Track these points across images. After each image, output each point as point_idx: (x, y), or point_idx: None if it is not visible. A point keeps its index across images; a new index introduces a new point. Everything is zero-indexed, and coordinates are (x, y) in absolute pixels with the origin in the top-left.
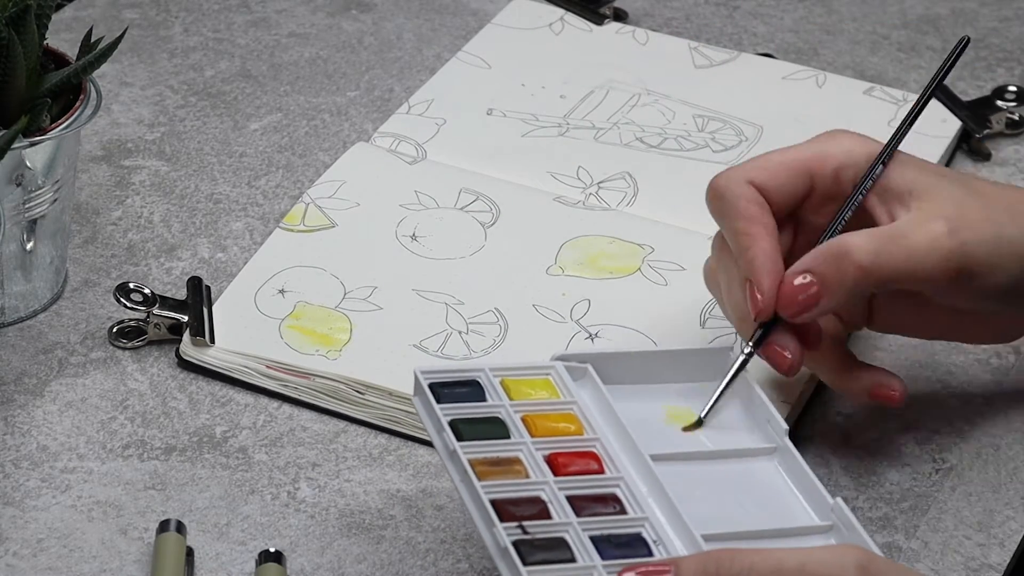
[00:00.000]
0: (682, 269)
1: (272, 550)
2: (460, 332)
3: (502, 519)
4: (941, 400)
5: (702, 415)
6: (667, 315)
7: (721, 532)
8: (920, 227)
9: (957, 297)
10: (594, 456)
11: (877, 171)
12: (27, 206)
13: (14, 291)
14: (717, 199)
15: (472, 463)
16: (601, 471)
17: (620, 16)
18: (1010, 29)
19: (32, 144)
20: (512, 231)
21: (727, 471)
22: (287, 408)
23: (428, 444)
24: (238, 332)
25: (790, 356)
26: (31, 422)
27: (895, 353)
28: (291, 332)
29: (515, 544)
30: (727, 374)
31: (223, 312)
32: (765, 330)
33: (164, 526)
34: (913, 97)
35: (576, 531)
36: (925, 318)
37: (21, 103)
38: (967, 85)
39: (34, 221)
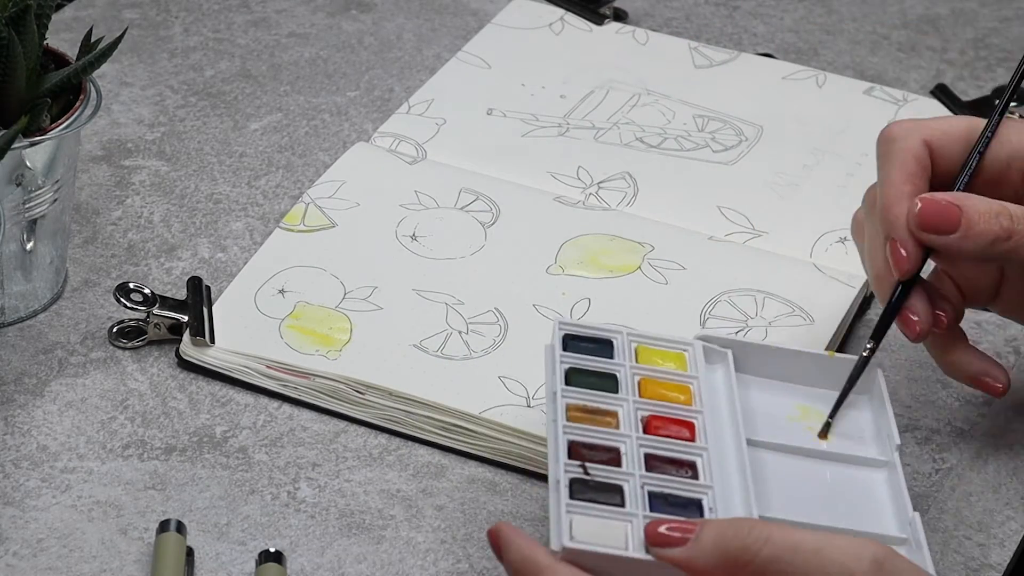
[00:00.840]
0: (682, 268)
1: (272, 550)
2: (460, 332)
3: (571, 457)
4: (941, 400)
5: (829, 418)
6: (667, 315)
7: (781, 518)
8: None
9: None
10: (690, 426)
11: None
12: (27, 206)
13: (14, 291)
14: (887, 143)
15: (568, 407)
16: (691, 440)
17: (620, 16)
18: (1010, 29)
19: (32, 144)
20: (512, 231)
21: (829, 471)
22: (287, 408)
23: (428, 444)
24: (238, 332)
25: (919, 320)
26: (31, 422)
27: (895, 353)
28: (291, 332)
29: (571, 481)
30: (855, 369)
31: (223, 312)
32: (904, 291)
33: (164, 526)
34: (913, 97)
35: (636, 483)
36: None
37: (21, 103)
38: (967, 85)
39: (34, 221)
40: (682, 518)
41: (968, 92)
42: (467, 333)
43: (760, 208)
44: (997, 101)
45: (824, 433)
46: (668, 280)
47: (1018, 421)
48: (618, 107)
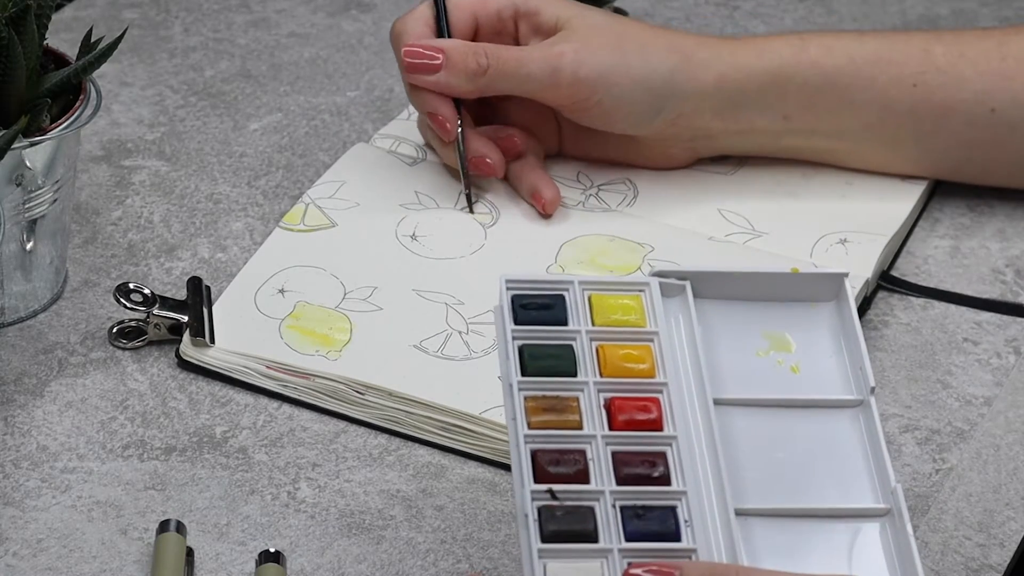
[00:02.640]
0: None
1: (272, 550)
2: (460, 332)
3: (536, 478)
4: (941, 400)
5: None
6: None
7: (759, 507)
8: (544, 48)
9: (583, 114)
10: (656, 402)
11: None
12: (27, 206)
13: (14, 291)
14: (395, 40)
15: (527, 401)
16: (658, 424)
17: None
18: None
19: (32, 144)
20: (512, 231)
21: (803, 425)
22: (287, 408)
23: (428, 444)
24: (238, 332)
25: (491, 161)
26: (31, 422)
27: (896, 353)
28: (291, 332)
29: (540, 510)
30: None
31: (223, 312)
32: (461, 143)
33: (164, 526)
34: None
35: (607, 501)
36: (600, 142)
37: (21, 103)
38: None
39: (34, 221)
40: (659, 547)
41: None
42: (467, 333)
43: (760, 210)
44: None
45: (470, 207)
46: None
47: (1018, 421)
48: None
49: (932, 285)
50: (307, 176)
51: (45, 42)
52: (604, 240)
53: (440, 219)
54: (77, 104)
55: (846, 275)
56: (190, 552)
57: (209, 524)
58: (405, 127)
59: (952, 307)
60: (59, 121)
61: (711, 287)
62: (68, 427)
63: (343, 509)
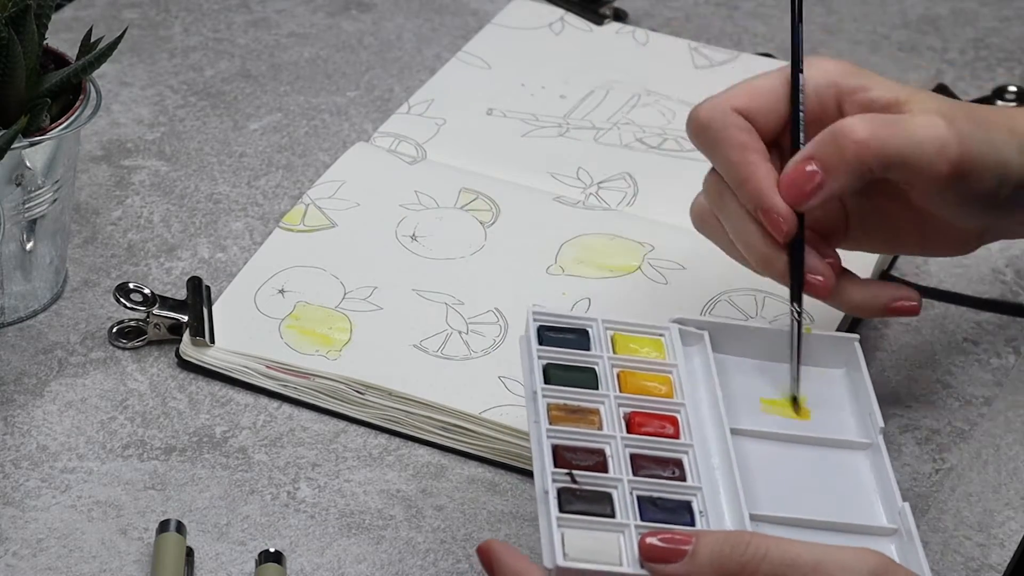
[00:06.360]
0: (682, 268)
1: (272, 550)
2: (460, 332)
3: (557, 464)
4: (941, 400)
5: (794, 393)
6: (667, 315)
7: (772, 515)
8: (918, 116)
9: (947, 194)
10: (673, 421)
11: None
12: (27, 206)
13: (14, 291)
14: (703, 130)
15: (549, 407)
16: (676, 436)
17: (620, 16)
18: (1010, 29)
19: (32, 144)
20: (512, 231)
21: (814, 457)
22: (287, 408)
23: (428, 444)
24: (238, 332)
25: (823, 279)
26: (31, 422)
27: (896, 353)
28: (291, 332)
29: (559, 491)
30: (793, 338)
31: (223, 312)
32: (795, 252)
33: (164, 526)
34: None
35: (624, 489)
36: (896, 229)
37: (21, 103)
38: (967, 85)
39: (34, 221)
40: (673, 525)
41: (968, 92)
42: (467, 333)
43: None
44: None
45: (796, 408)
46: (668, 280)
47: (1018, 421)
48: (618, 107)
49: (932, 285)
50: (307, 176)
51: (45, 42)
52: (604, 239)
53: (440, 219)
54: (77, 104)
55: (857, 339)
56: (190, 552)
57: (209, 524)
58: (405, 123)
59: (952, 307)
60: (59, 121)
61: (726, 340)
62: (68, 427)
63: (343, 509)
